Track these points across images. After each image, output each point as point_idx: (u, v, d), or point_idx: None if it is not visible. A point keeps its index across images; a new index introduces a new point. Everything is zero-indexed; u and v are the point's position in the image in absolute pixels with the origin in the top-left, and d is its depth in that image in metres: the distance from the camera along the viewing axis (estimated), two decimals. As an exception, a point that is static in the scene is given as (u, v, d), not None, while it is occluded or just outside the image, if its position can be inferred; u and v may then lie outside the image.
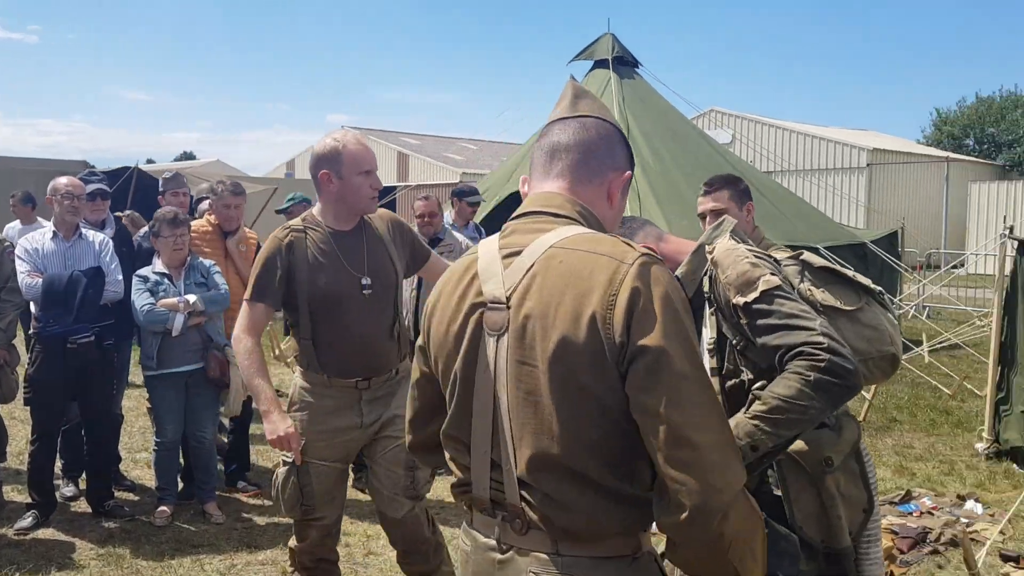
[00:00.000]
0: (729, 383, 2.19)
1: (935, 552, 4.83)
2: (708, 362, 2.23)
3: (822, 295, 2.22)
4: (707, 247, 2.30)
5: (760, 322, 2.08)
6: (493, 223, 11.11)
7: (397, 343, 3.42)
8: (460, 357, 1.68)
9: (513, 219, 1.76)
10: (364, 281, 3.31)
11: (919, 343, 10.21)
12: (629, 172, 1.79)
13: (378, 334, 3.36)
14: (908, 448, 6.98)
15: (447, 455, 1.79)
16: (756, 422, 2.07)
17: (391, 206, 28.26)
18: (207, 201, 6.29)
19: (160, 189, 6.52)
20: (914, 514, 5.36)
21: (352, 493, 5.74)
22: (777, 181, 15.94)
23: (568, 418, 1.54)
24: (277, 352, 10.37)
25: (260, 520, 5.22)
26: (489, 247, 1.73)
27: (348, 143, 3.28)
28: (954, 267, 16.13)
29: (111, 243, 5.24)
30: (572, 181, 1.74)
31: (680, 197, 10.56)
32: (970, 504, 5.57)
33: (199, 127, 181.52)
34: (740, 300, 2.12)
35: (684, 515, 1.48)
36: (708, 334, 2.25)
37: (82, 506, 5.35)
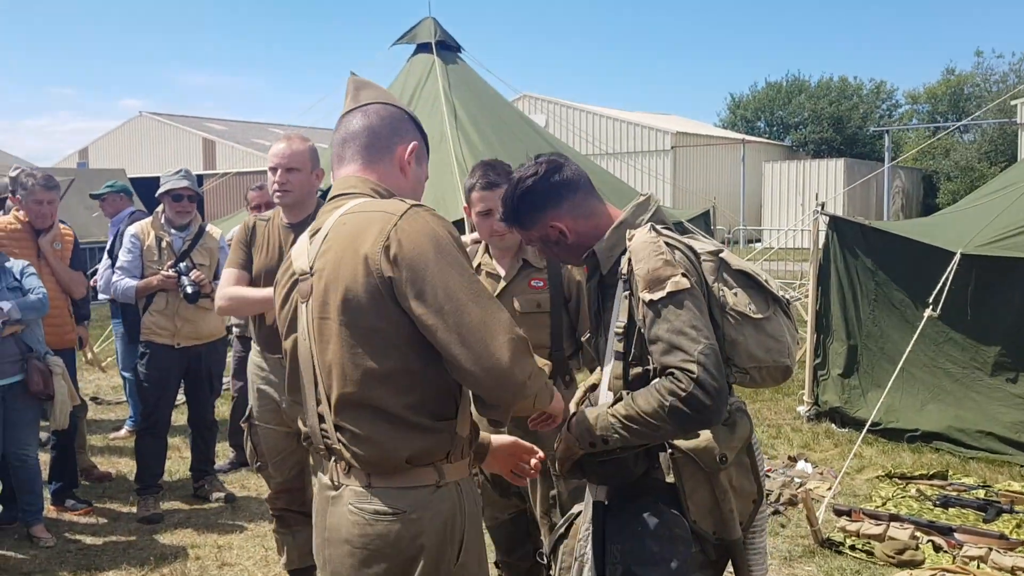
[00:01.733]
0: (633, 371, 2.16)
1: (776, 512, 5.12)
2: (615, 346, 2.21)
3: (734, 298, 2.18)
4: (628, 231, 2.27)
5: (654, 330, 2.07)
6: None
7: None
8: (286, 326, 2.01)
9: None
10: None
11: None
12: (415, 142, 2.04)
13: None
14: (737, 415, 7.37)
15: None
16: (613, 420, 2.09)
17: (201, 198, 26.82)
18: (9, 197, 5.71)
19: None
20: (753, 478, 5.65)
21: (196, 504, 5.41)
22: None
23: (359, 356, 1.82)
24: (89, 357, 9.67)
25: (95, 540, 4.82)
26: (304, 232, 2.04)
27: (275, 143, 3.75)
28: (749, 243, 17.19)
29: None
30: (363, 163, 2.01)
31: (508, 181, 10.62)
32: (801, 464, 5.95)
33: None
34: (647, 296, 2.10)
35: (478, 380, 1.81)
36: (619, 317, 2.21)
37: None
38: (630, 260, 2.19)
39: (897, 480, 5.59)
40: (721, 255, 2.26)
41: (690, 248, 2.23)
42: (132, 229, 5.40)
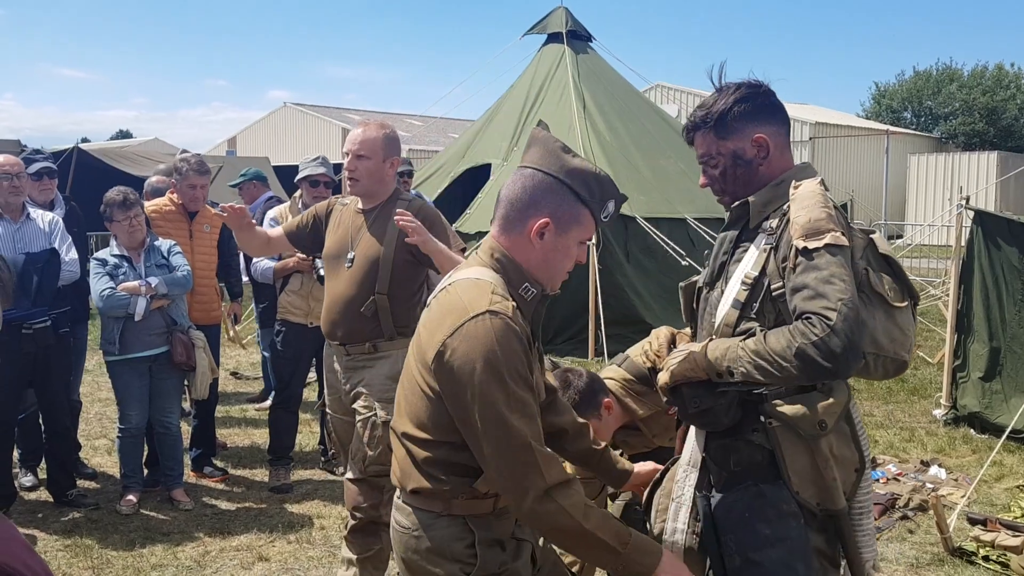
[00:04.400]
0: (743, 324, 2.15)
1: (905, 518, 4.93)
2: (737, 294, 2.18)
3: (876, 280, 2.15)
4: (793, 183, 2.21)
5: (801, 277, 2.03)
6: (450, 198, 10.99)
7: (375, 319, 3.59)
8: None
9: None
10: (349, 255, 3.64)
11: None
12: (545, 219, 2.07)
13: (350, 304, 3.61)
14: (868, 416, 7.11)
15: None
16: (743, 353, 2.05)
17: (339, 184, 27.69)
18: (161, 178, 6.09)
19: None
20: (881, 480, 5.45)
21: (324, 475, 5.65)
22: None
23: (407, 402, 2.10)
24: (231, 334, 10.17)
25: (230, 506, 5.11)
26: None
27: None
28: (891, 238, 16.49)
29: (61, 222, 5.04)
30: (499, 230, 2.14)
31: (636, 171, 10.55)
32: (934, 469, 5.69)
33: (134, 104, 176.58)
34: (801, 243, 2.06)
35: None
36: (751, 267, 2.18)
37: (43, 496, 5.18)
38: (787, 210, 2.16)
39: (1040, 491, 5.27)
40: (872, 236, 2.22)
41: (848, 221, 2.20)
42: (271, 213, 5.66)
